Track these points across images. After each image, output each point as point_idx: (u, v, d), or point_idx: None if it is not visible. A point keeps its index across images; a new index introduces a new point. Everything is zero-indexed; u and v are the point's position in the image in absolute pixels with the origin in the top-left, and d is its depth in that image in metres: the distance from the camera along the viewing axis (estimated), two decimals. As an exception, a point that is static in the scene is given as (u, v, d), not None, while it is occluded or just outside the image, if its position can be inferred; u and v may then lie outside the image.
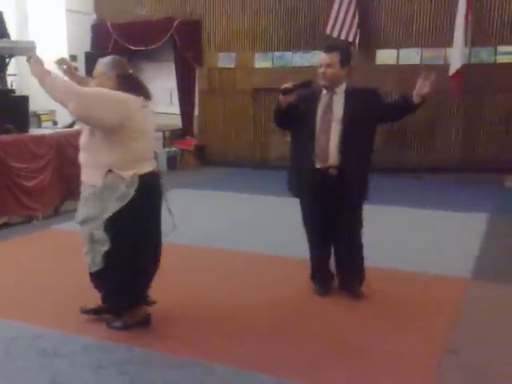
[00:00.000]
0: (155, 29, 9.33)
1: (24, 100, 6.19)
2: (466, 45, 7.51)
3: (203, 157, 9.57)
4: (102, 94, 2.95)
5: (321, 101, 3.44)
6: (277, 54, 8.91)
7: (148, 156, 3.09)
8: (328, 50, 3.43)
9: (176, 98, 9.81)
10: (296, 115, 3.41)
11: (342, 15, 8.07)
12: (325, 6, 8.28)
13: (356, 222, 3.56)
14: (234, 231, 5.34)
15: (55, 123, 6.98)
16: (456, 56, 7.48)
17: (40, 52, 6.37)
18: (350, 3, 8.05)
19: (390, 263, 4.26)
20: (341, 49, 3.52)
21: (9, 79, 6.33)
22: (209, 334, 3.13)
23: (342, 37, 8.01)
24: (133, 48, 9.44)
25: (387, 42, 8.27)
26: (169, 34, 9.24)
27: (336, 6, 8.07)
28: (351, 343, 3.02)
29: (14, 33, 7.01)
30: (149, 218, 3.07)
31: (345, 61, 3.40)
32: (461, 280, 3.98)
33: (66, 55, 9.04)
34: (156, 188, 3.11)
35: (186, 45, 9.32)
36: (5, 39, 6.27)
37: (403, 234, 5.17)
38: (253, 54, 9.08)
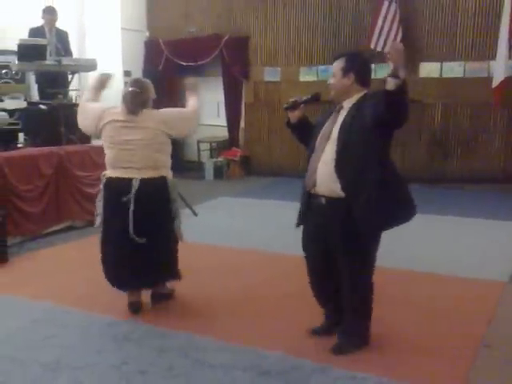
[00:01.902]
0: (204, 45, 9.75)
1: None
2: (510, 57, 7.60)
3: (248, 167, 9.89)
4: (82, 108, 3.68)
5: (330, 117, 2.94)
6: (321, 67, 9.18)
7: (119, 165, 3.45)
8: (335, 57, 2.91)
9: (223, 111, 10.19)
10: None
11: (385, 30, 8.29)
12: (368, 21, 8.52)
13: (353, 267, 2.91)
14: (281, 236, 5.60)
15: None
16: (499, 69, 7.57)
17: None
18: (393, 18, 8.26)
19: (430, 267, 4.45)
20: (347, 55, 2.89)
21: (73, 94, 6.84)
22: (260, 325, 3.43)
23: (386, 50, 8.22)
24: (183, 64, 9.94)
25: (430, 55, 8.41)
26: (217, 50, 9.66)
27: (380, 21, 8.29)
28: (392, 335, 3.26)
29: (74, 50, 7.57)
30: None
31: (348, 69, 2.79)
32: (499, 283, 4.15)
33: (120, 71, 9.67)
34: (119, 191, 3.41)
35: (233, 60, 9.70)
36: (69, 57, 6.81)
37: (444, 241, 5.32)
38: (298, 68, 9.39)
